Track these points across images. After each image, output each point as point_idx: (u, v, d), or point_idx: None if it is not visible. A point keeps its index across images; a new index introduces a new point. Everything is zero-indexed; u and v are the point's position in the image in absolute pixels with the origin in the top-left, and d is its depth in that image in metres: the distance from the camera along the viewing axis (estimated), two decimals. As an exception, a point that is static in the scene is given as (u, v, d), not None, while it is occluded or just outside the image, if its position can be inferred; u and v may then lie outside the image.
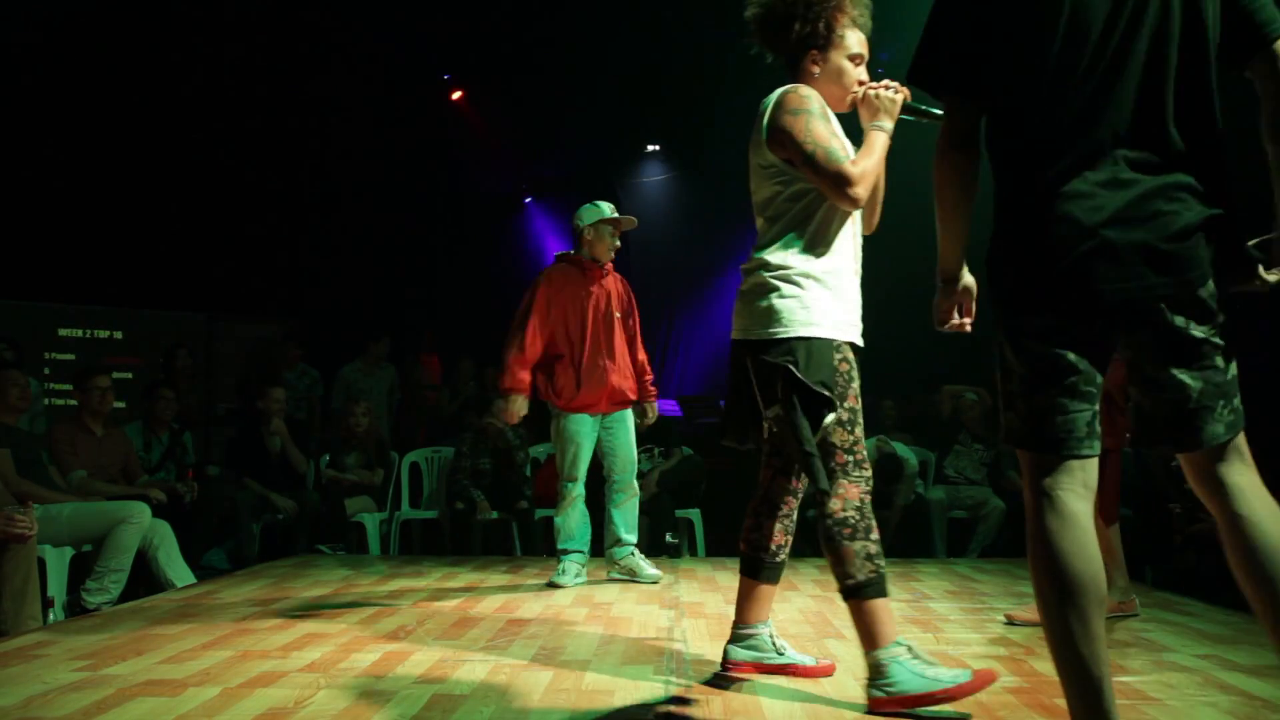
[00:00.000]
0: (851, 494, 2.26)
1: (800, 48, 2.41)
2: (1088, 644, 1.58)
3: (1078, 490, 1.63)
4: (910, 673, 2.17)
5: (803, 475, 2.47)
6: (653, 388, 4.58)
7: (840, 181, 2.25)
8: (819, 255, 2.35)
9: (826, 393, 2.24)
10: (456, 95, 9.16)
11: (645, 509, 6.02)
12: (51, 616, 3.93)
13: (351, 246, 9.08)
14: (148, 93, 7.55)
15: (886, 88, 2.38)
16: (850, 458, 2.29)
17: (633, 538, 4.42)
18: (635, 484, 4.45)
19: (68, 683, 2.49)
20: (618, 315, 4.39)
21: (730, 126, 9.02)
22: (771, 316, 2.32)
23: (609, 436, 4.37)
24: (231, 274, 8.37)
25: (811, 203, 2.35)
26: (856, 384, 2.34)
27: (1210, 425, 1.61)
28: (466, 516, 5.82)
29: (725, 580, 4.33)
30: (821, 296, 2.32)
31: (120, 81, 7.38)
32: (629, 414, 4.44)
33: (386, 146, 8.92)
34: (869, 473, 2.33)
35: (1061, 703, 2.30)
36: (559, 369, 4.32)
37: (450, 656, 2.81)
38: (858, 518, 2.25)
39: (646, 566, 4.37)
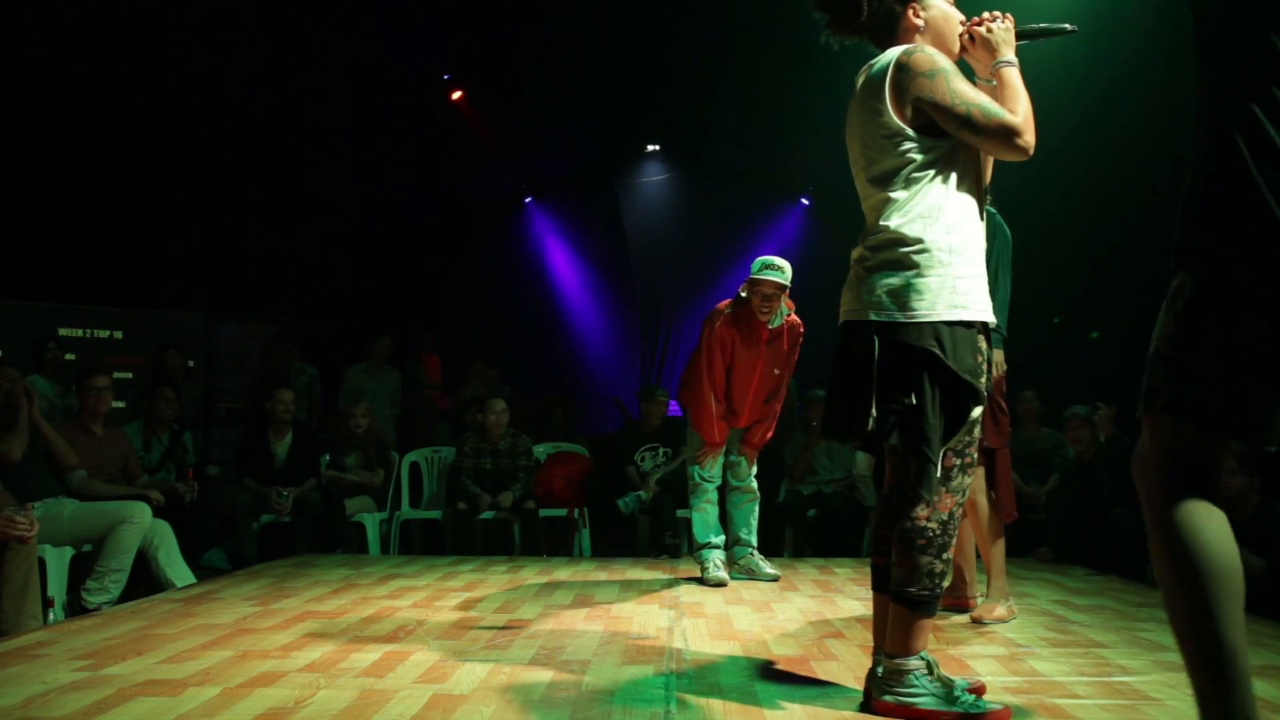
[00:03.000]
0: (943, 505, 2.14)
1: (901, 1, 2.24)
2: (1238, 633, 1.50)
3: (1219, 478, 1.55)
4: (927, 689, 2.14)
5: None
6: (763, 436, 4.47)
7: (1007, 134, 2.07)
8: (959, 227, 2.15)
9: (974, 383, 2.10)
10: (456, 95, 9.16)
11: (646, 509, 6.03)
12: (51, 616, 3.93)
13: (352, 246, 9.08)
14: (148, 92, 7.55)
15: (994, 20, 2.23)
16: (959, 460, 2.16)
17: (753, 538, 4.49)
18: (755, 486, 4.51)
19: (68, 683, 2.49)
20: (776, 372, 4.36)
21: (730, 126, 9.07)
22: (914, 295, 2.11)
23: (730, 444, 4.43)
24: (231, 274, 8.37)
25: (945, 170, 2.16)
26: (985, 375, 2.20)
27: None
28: (469, 516, 5.82)
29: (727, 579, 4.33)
30: (966, 274, 2.14)
31: (120, 81, 7.38)
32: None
33: (387, 146, 8.92)
34: (970, 478, 2.20)
35: (1062, 703, 2.31)
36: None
37: (450, 656, 2.80)
38: (937, 531, 2.13)
39: (765, 566, 4.43)
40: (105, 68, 7.28)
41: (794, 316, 4.34)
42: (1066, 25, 2.26)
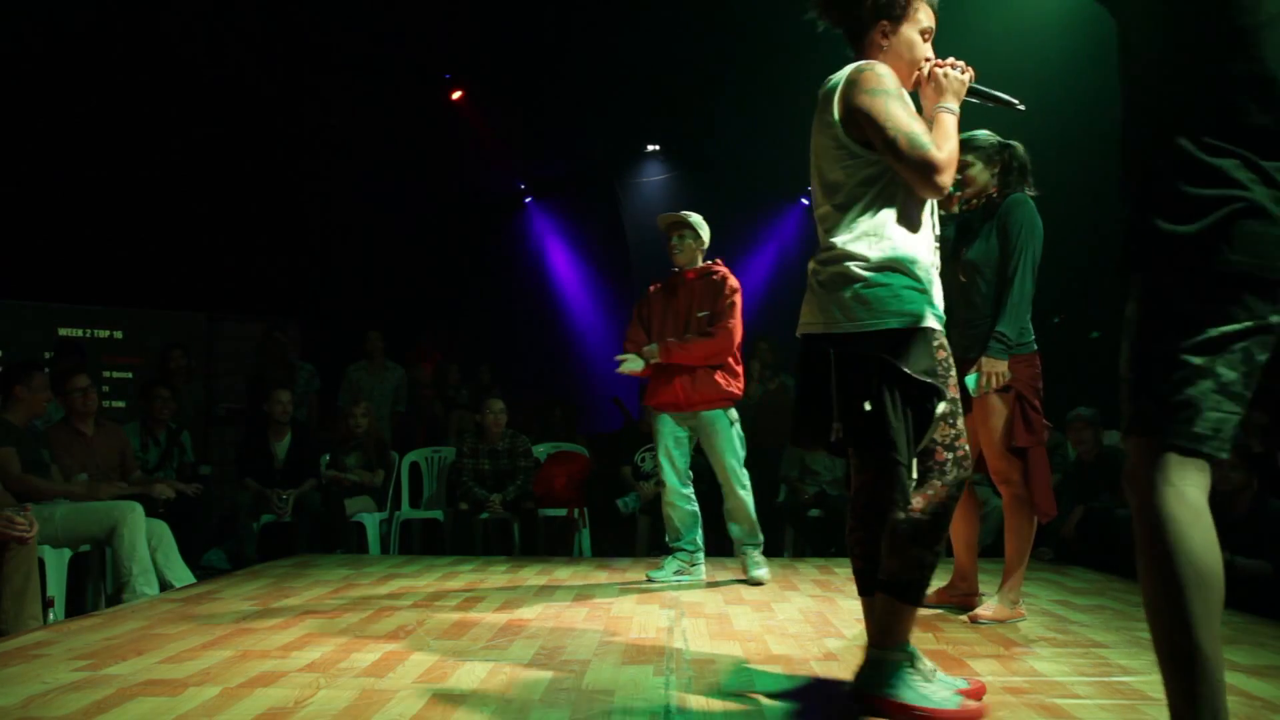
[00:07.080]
0: (937, 497, 2.18)
1: (871, 18, 2.28)
2: (1214, 642, 1.50)
3: (1204, 489, 1.58)
4: (905, 682, 2.16)
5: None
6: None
7: (926, 168, 2.12)
8: (905, 242, 2.21)
9: (932, 381, 2.15)
10: (456, 95, 9.16)
11: (646, 509, 6.03)
12: (51, 616, 3.93)
13: (352, 247, 9.08)
14: (148, 92, 7.55)
15: (954, 66, 2.29)
16: (950, 455, 2.21)
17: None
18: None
19: (68, 683, 2.49)
20: (700, 315, 4.45)
21: (730, 126, 9.06)
22: (862, 307, 2.17)
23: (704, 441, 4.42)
24: (231, 274, 8.38)
25: (890, 185, 2.21)
26: (954, 374, 2.24)
27: None
28: (470, 516, 5.82)
29: (725, 580, 4.33)
30: (912, 284, 2.20)
31: (120, 81, 7.38)
32: (717, 416, 4.34)
33: (386, 146, 8.92)
34: (967, 472, 2.24)
35: (1062, 703, 2.31)
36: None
37: (450, 656, 2.80)
38: (930, 523, 2.16)
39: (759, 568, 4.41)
40: (106, 68, 7.28)
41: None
42: (1018, 104, 2.35)
